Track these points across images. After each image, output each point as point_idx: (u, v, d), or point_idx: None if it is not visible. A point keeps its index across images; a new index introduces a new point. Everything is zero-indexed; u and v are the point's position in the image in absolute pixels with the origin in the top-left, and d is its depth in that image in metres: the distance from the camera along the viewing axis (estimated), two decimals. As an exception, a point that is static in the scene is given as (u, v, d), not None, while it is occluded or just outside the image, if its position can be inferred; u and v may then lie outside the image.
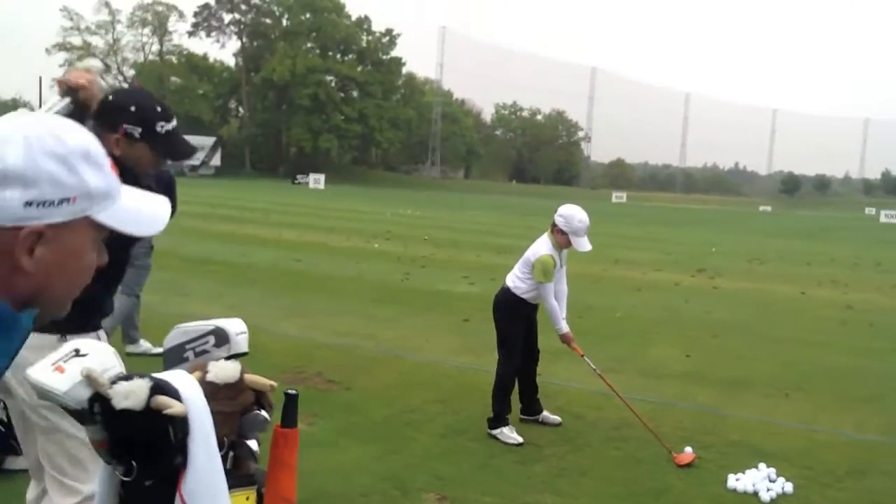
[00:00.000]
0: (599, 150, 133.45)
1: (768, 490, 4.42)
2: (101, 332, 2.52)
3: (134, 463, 1.51)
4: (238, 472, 1.80)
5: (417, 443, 4.94)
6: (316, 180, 63.77)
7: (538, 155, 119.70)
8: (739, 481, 4.52)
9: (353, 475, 4.32)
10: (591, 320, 9.69)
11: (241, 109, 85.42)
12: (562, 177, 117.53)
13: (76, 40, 79.48)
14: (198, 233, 17.90)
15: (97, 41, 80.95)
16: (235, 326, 1.97)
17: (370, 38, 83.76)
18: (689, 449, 4.91)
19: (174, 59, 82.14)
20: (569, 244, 5.17)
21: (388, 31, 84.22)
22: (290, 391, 1.95)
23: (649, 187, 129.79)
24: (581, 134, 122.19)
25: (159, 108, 2.49)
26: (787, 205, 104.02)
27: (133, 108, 2.42)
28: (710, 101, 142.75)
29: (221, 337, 1.92)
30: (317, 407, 5.50)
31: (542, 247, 5.14)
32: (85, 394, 1.45)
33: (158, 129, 2.45)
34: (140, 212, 1.15)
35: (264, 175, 75.32)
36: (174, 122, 2.51)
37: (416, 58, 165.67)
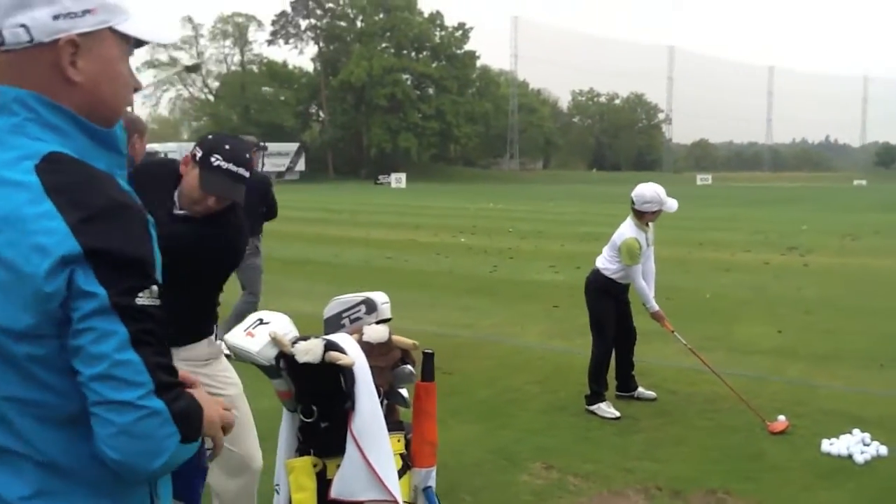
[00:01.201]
0: (681, 132, 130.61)
1: (862, 453, 4.59)
2: (211, 338, 2.85)
3: (314, 407, 1.91)
4: (391, 418, 2.20)
5: (520, 419, 5.29)
6: (397, 179, 64.74)
7: (618, 141, 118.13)
8: (833, 446, 4.71)
9: (464, 450, 4.70)
10: (679, 301, 9.81)
11: (321, 114, 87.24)
12: (643, 161, 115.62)
13: (163, 57, 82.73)
14: (290, 236, 18.67)
15: (182, 56, 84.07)
16: (381, 297, 2.37)
17: (443, 33, 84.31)
18: (782, 417, 5.11)
19: (255, 69, 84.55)
20: (652, 219, 5.46)
21: (461, 25, 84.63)
22: (427, 350, 2.30)
23: (735, 167, 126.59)
24: (661, 116, 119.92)
25: (228, 146, 2.67)
26: (883, 178, 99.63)
27: (210, 137, 2.71)
28: (794, 73, 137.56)
29: (370, 306, 2.33)
30: (423, 390, 5.92)
31: (626, 230, 5.43)
32: (272, 353, 1.87)
33: (213, 160, 2.62)
34: (155, 27, 1.37)
35: (347, 177, 76.81)
36: (232, 166, 2.63)
37: (490, 50, 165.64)
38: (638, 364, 6.29)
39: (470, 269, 13.00)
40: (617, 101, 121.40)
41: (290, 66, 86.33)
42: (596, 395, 5.40)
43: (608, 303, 5.55)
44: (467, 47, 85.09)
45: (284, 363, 1.87)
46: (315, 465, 1.99)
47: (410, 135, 79.63)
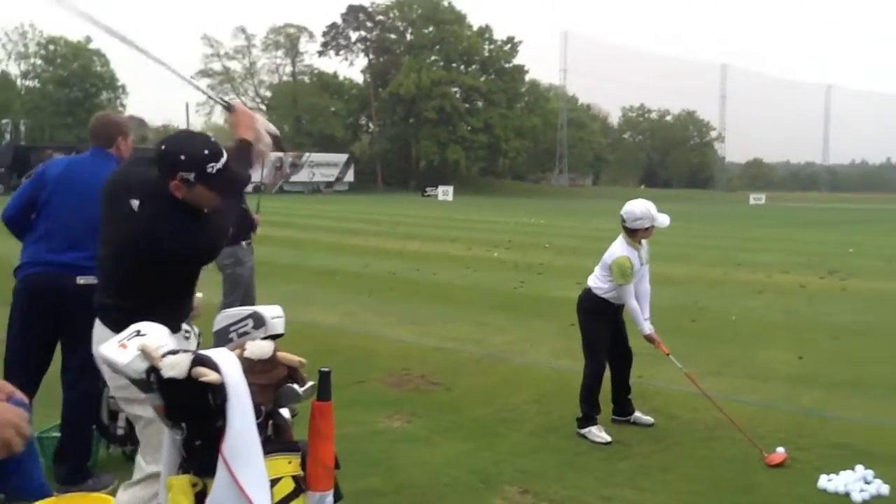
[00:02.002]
0: (734, 151, 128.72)
1: (861, 491, 4.34)
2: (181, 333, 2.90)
3: (184, 425, 1.83)
4: (281, 438, 2.10)
5: (508, 440, 5.15)
6: (444, 192, 64.78)
7: (669, 158, 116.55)
8: (831, 482, 4.46)
9: (442, 469, 4.58)
10: (703, 323, 9.58)
11: (371, 125, 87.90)
12: (696, 179, 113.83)
13: (216, 66, 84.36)
14: (327, 246, 18.80)
15: (235, 66, 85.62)
16: (272, 311, 2.29)
17: (492, 47, 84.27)
18: (780, 449, 4.87)
19: (306, 79, 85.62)
20: (645, 236, 5.29)
21: (510, 39, 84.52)
22: (323, 369, 2.21)
23: (790, 187, 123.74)
24: (714, 134, 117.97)
25: (206, 151, 2.69)
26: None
27: (183, 157, 2.67)
28: (853, 92, 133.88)
29: (258, 320, 2.24)
30: (417, 406, 5.82)
31: (617, 248, 5.26)
32: (142, 366, 1.80)
33: (210, 170, 2.67)
34: None
35: (395, 189, 77.21)
36: (223, 159, 2.72)
37: (539, 64, 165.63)
38: (642, 387, 6.12)
39: (496, 284, 12.86)
40: (668, 118, 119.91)
41: (341, 78, 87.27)
42: (587, 419, 5.23)
43: (600, 323, 5.38)
44: (516, 61, 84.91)
45: (154, 377, 1.80)
46: (195, 485, 1.91)
47: (459, 147, 79.69)
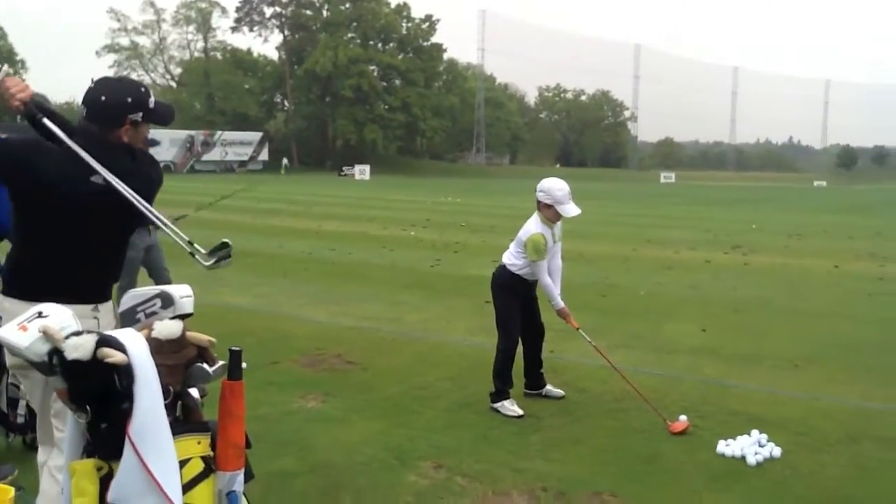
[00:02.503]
0: (647, 130, 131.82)
1: (756, 454, 4.57)
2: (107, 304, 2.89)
3: (89, 408, 1.80)
4: (190, 418, 2.09)
5: (422, 417, 5.21)
6: (361, 171, 64.42)
7: (584, 137, 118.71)
8: (729, 447, 4.68)
9: (358, 448, 4.60)
10: (614, 299, 9.85)
11: (286, 103, 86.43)
12: (609, 159, 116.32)
13: (124, 41, 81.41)
14: (240, 227, 18.43)
15: (144, 41, 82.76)
16: (180, 290, 2.26)
17: (410, 25, 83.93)
18: (683, 417, 5.08)
19: (219, 56, 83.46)
20: (558, 216, 5.35)
21: (428, 17, 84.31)
22: (233, 348, 2.19)
23: (700, 166, 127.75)
24: (627, 114, 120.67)
25: (143, 89, 2.84)
26: (844, 179, 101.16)
27: (129, 100, 2.75)
28: (759, 74, 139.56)
29: (167, 300, 2.21)
30: (332, 386, 5.82)
31: (532, 226, 5.35)
32: (44, 348, 1.76)
33: (150, 105, 2.81)
34: None
35: (311, 168, 76.26)
36: (152, 96, 2.86)
37: (457, 43, 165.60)
38: (553, 360, 6.26)
39: (412, 263, 12.91)
40: (583, 98, 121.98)
41: (255, 55, 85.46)
42: (500, 393, 5.33)
43: (513, 299, 5.48)
44: (434, 40, 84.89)
45: (57, 360, 1.77)
46: (99, 469, 1.88)
47: (376, 127, 79.28)
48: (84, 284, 2.79)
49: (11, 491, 3.40)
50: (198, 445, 2.05)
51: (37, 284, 2.68)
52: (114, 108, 2.74)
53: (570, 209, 5.29)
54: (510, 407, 5.26)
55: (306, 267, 12.19)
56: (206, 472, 2.06)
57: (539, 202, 5.39)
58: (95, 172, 2.66)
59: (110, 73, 73.48)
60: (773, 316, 8.94)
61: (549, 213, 5.33)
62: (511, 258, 5.47)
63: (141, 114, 2.77)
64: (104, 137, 2.74)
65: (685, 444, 4.81)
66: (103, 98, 2.74)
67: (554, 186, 5.30)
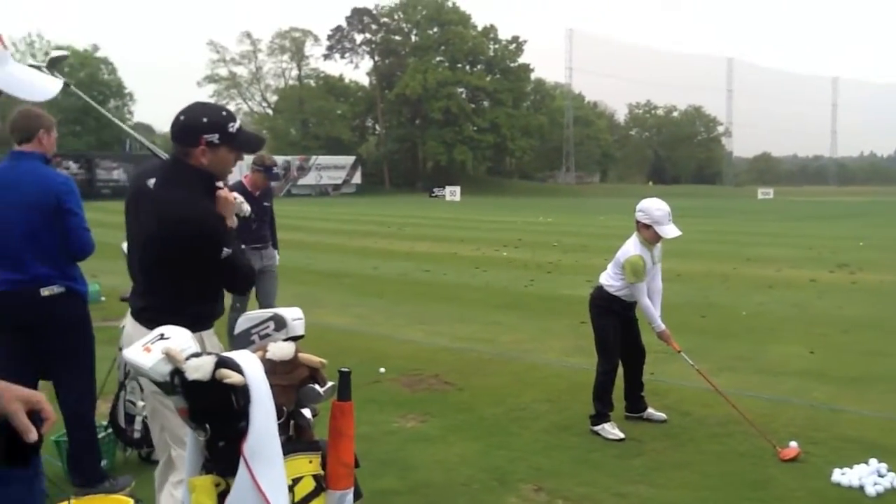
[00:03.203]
0: (742, 145, 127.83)
1: (875, 484, 4.35)
2: (209, 332, 2.95)
3: (208, 426, 1.87)
4: (302, 438, 2.14)
5: (522, 438, 5.18)
6: (452, 192, 64.80)
7: (676, 154, 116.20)
8: (845, 475, 4.47)
9: (457, 468, 4.61)
10: (713, 319, 9.59)
11: (377, 127, 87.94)
12: (703, 175, 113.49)
13: (223, 71, 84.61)
14: (335, 248, 18.87)
15: (241, 71, 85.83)
16: (292, 313, 2.32)
17: (497, 46, 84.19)
18: (793, 443, 4.88)
19: (312, 83, 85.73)
20: (657, 237, 5.25)
21: (515, 39, 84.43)
22: (343, 369, 2.24)
23: (799, 181, 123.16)
24: (721, 129, 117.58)
25: (224, 113, 2.88)
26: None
27: (205, 120, 2.80)
28: (859, 83, 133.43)
29: (280, 322, 2.28)
30: (430, 406, 5.86)
31: (630, 247, 5.26)
32: (166, 369, 1.84)
33: (231, 129, 2.83)
34: (33, 84, 1.41)
35: (403, 190, 77.24)
36: (239, 121, 2.90)
37: (545, 63, 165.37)
38: (655, 383, 6.13)
39: (506, 283, 12.89)
40: (675, 114, 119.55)
41: (347, 80, 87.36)
42: (600, 416, 5.25)
43: (612, 320, 5.39)
44: (521, 60, 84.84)
45: (178, 380, 1.85)
46: (217, 485, 1.95)
47: (465, 148, 79.66)
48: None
49: (131, 501, 3.56)
50: (309, 464, 2.10)
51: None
52: (189, 127, 2.80)
53: (670, 230, 5.19)
54: (611, 430, 5.17)
55: (401, 288, 12.33)
56: (318, 491, 2.11)
57: (638, 222, 5.31)
58: None
59: (210, 101, 76.43)
60: (885, 337, 8.52)
61: (649, 233, 5.24)
62: (608, 279, 5.40)
63: (217, 135, 2.78)
64: (178, 156, 2.84)
65: (796, 470, 4.62)
66: (182, 118, 2.82)
67: (653, 206, 5.22)
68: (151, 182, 2.83)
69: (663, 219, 5.19)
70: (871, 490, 4.30)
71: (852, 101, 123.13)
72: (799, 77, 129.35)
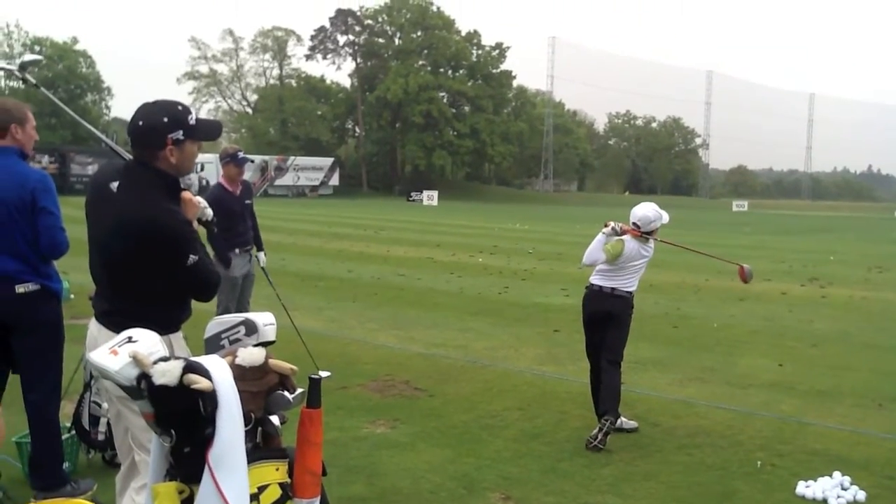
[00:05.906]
0: (719, 157, 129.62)
1: (838, 497, 4.40)
2: (177, 335, 2.91)
3: (173, 432, 1.85)
4: (270, 445, 2.12)
5: (491, 446, 5.17)
6: (429, 197, 64.83)
7: (654, 164, 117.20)
8: (809, 488, 4.52)
9: (425, 475, 4.59)
10: (685, 330, 9.66)
11: (357, 129, 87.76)
12: (680, 186, 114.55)
13: (204, 69, 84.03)
14: (311, 251, 18.77)
15: (222, 68, 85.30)
16: (264, 318, 2.30)
17: (480, 52, 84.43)
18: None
19: (293, 83, 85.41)
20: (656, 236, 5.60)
21: (498, 45, 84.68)
22: (313, 375, 2.22)
23: (773, 194, 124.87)
24: (698, 141, 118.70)
25: (181, 107, 2.82)
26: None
27: (166, 119, 2.75)
28: (836, 100, 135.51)
29: (250, 327, 2.26)
30: (400, 412, 5.84)
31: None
32: (133, 372, 1.82)
33: (191, 122, 2.80)
34: None
35: (380, 193, 77.12)
36: (193, 111, 2.88)
37: (527, 70, 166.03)
38: (625, 393, 6.10)
39: (480, 289, 12.89)
40: (654, 125, 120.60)
41: (328, 82, 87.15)
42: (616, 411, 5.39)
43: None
44: (504, 67, 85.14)
45: (145, 384, 1.82)
46: (181, 492, 1.93)
47: (445, 153, 79.77)
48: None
49: (91, 506, 3.50)
50: (276, 472, 2.08)
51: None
52: (152, 130, 2.73)
53: (666, 216, 5.62)
54: (628, 421, 5.51)
55: (375, 292, 12.30)
56: (284, 499, 2.09)
57: (643, 232, 5.58)
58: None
59: (189, 99, 76.02)
60: (853, 351, 8.63)
61: (654, 235, 5.61)
62: (632, 282, 5.59)
63: (181, 131, 2.75)
64: (141, 159, 2.79)
65: (762, 482, 4.66)
66: (141, 123, 2.75)
67: (655, 210, 5.59)
68: (114, 185, 2.78)
69: (654, 218, 5.56)
70: (833, 503, 4.35)
71: (828, 117, 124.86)
72: (776, 92, 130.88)
